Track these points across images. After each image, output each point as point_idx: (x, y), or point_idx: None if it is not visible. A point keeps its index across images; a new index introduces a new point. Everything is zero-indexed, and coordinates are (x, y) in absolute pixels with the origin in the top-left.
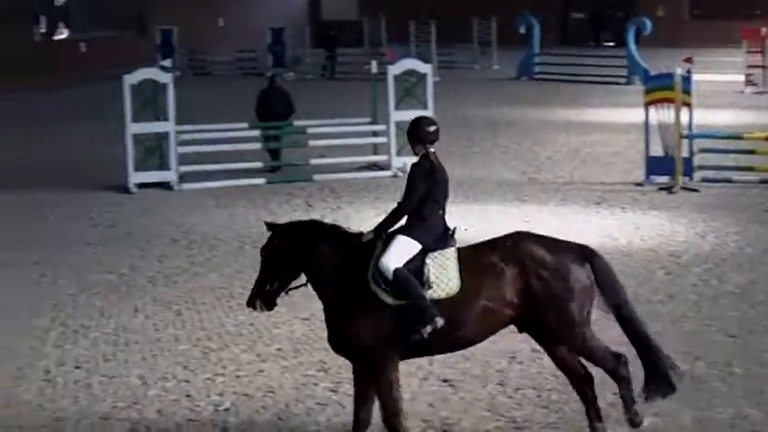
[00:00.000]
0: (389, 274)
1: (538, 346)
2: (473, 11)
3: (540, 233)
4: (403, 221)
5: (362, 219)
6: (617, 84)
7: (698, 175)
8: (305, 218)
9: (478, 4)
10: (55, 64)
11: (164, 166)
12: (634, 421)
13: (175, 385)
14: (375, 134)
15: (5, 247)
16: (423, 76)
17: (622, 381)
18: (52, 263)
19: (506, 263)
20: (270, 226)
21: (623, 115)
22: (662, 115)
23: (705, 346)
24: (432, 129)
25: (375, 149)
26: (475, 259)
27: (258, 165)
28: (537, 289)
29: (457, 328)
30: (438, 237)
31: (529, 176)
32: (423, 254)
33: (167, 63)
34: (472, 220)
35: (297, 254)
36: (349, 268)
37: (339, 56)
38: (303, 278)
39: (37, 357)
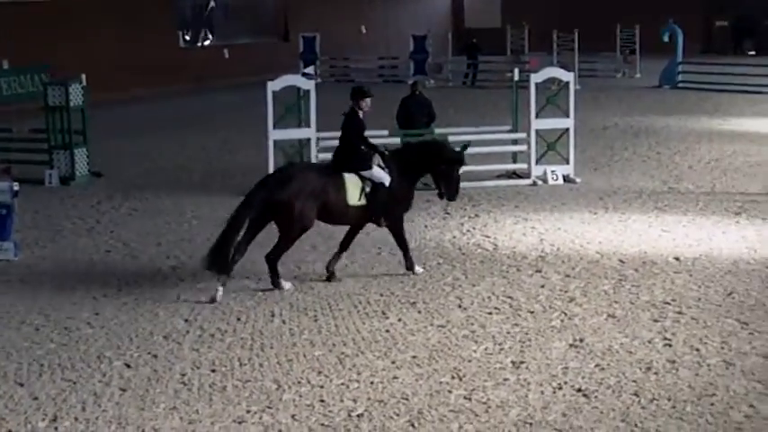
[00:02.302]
0: None
1: (674, 357)
2: (616, 20)
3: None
4: None
5: (500, 227)
6: (761, 93)
7: None
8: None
9: (622, 12)
10: (199, 70)
11: None
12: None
13: (309, 390)
14: (515, 142)
15: (146, 251)
16: (565, 85)
17: None
18: (191, 266)
19: None
20: None
21: (766, 125)
22: None
23: None
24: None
25: (515, 158)
26: None
27: None
28: None
29: None
30: None
31: (669, 186)
32: None
33: (310, 70)
34: (610, 230)
35: None
36: None
37: (481, 63)
38: None
39: (173, 360)
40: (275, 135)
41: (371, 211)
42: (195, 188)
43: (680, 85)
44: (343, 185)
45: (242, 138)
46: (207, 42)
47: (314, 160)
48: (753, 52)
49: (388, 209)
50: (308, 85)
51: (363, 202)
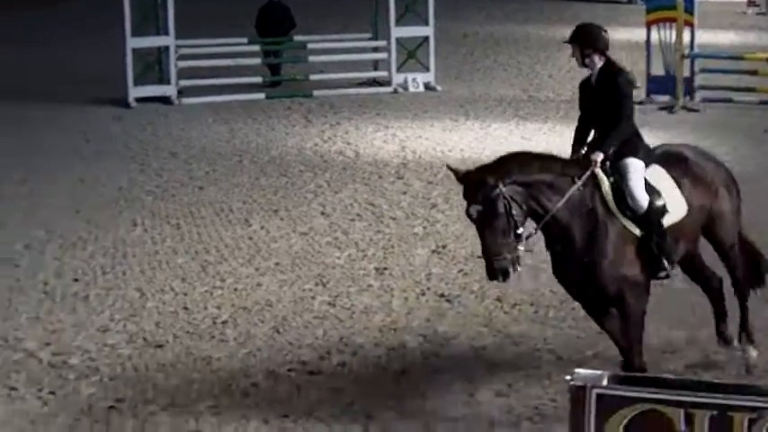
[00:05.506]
0: (643, 205)
1: (534, 262)
2: None
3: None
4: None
5: (361, 135)
6: (620, 2)
7: (699, 94)
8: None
9: None
10: None
11: (163, 80)
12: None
13: (173, 298)
14: (376, 50)
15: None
16: None
17: None
18: (44, 177)
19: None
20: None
21: (625, 34)
22: (663, 35)
23: None
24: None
25: (376, 65)
26: (684, 177)
27: (258, 80)
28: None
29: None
30: (647, 153)
31: (529, 94)
32: None
33: None
34: (471, 138)
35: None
36: (589, 201)
37: None
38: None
39: (35, 269)
40: (133, 43)
41: None
42: (51, 98)
43: None
44: None
45: (102, 46)
46: None
47: (173, 69)
48: None
49: None
50: None
51: None
